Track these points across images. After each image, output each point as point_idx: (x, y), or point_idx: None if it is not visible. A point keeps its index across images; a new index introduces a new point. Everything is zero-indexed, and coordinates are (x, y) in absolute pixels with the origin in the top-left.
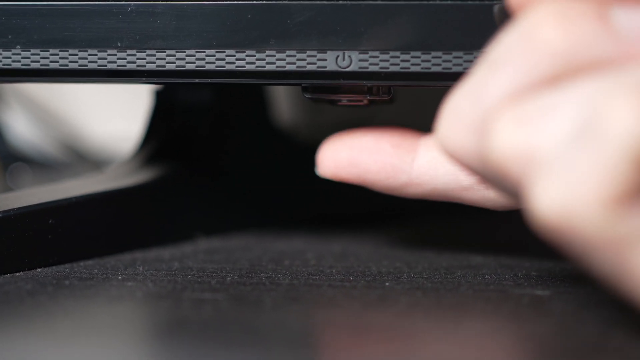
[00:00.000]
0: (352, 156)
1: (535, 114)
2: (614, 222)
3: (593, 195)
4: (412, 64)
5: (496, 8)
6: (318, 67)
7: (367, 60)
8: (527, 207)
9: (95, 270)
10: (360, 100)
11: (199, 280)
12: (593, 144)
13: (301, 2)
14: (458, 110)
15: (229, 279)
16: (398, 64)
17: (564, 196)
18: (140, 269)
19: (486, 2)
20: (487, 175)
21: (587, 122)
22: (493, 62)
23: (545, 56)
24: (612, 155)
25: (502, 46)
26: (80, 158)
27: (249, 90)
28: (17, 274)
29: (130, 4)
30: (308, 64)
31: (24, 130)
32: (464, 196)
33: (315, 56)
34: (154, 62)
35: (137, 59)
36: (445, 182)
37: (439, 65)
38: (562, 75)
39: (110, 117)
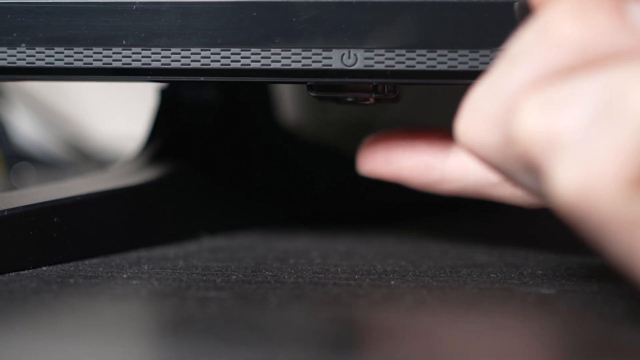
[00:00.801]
0: (388, 154)
1: (559, 99)
2: (630, 202)
3: (611, 176)
4: (418, 62)
5: (516, 5)
6: (323, 65)
7: (372, 59)
8: (547, 189)
9: (100, 269)
10: (367, 99)
11: (204, 278)
12: (612, 126)
13: (306, 0)
14: (478, 105)
15: (233, 277)
16: (403, 62)
17: (583, 176)
18: (145, 267)
19: (491, 0)
20: (507, 167)
21: (607, 105)
22: (512, 58)
23: (563, 49)
24: (629, 137)
25: (521, 42)
26: (85, 157)
27: (254, 89)
28: (22, 272)
29: (135, 2)
30: (313, 62)
31: (28, 130)
32: (494, 193)
33: (320, 54)
34: (159, 61)
35: (142, 57)
36: (476, 180)
37: (445, 63)
38: (579, 68)
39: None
